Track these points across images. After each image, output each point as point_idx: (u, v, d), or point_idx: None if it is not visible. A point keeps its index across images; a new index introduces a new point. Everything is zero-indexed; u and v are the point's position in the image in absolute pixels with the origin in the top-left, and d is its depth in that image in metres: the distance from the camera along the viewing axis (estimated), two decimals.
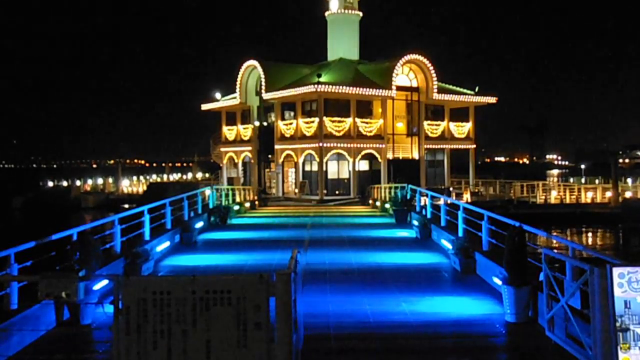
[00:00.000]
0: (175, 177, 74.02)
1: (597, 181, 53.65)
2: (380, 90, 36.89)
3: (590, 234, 35.23)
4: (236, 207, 24.76)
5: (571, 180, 65.82)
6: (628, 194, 40.66)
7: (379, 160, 38.29)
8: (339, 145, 36.41)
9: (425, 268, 12.77)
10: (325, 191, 36.16)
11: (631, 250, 29.38)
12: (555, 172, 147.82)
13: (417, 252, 14.62)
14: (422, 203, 22.16)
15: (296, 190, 38.26)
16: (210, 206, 21.80)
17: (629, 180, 52.80)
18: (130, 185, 60.19)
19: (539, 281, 8.02)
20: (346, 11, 42.01)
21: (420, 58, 38.63)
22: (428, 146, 40.77)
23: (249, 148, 42.42)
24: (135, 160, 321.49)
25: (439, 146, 41.51)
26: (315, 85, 34.37)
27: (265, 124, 40.90)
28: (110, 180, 61.63)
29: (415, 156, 40.34)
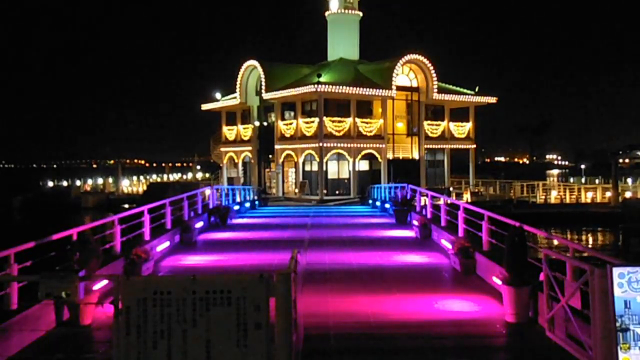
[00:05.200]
0: (175, 177, 74.02)
1: (597, 181, 53.61)
2: (380, 90, 36.89)
3: (590, 234, 35.22)
4: (236, 207, 24.76)
5: (571, 180, 65.80)
6: (628, 194, 40.65)
7: (379, 160, 38.29)
8: (339, 145, 36.42)
9: (425, 268, 12.77)
10: (325, 191, 36.16)
11: (631, 250, 29.36)
12: (555, 172, 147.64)
13: (417, 252, 14.62)
14: (422, 203, 22.16)
15: (296, 190, 38.26)
16: (210, 206, 21.79)
17: (629, 180, 52.80)
18: (130, 185, 60.18)
19: (539, 281, 8.02)
20: (346, 11, 42.02)
21: (421, 58, 38.64)
22: (428, 146, 40.78)
23: (249, 148, 42.42)
24: (135, 160, 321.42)
25: (439, 146, 41.52)
26: (315, 85, 34.37)
27: (265, 124, 40.91)
28: (110, 180, 61.62)
29: (415, 156, 40.35)
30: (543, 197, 40.42)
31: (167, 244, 15.16)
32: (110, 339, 4.47)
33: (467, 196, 38.88)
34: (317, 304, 9.40)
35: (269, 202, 33.38)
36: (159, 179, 67.76)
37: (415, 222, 18.13)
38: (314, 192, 36.93)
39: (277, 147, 39.31)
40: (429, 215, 18.55)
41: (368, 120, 38.17)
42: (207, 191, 23.12)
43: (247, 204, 27.84)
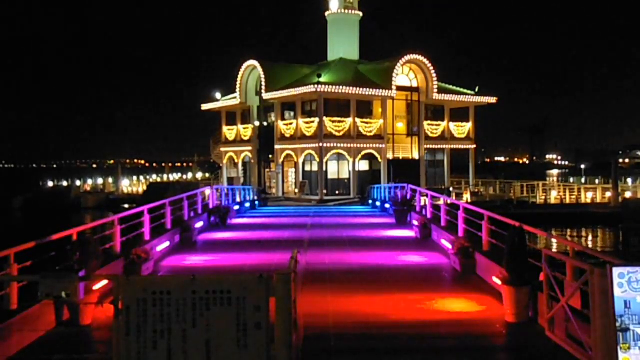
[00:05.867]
0: (175, 177, 74.03)
1: (597, 181, 53.63)
2: (380, 90, 36.89)
3: (590, 234, 35.23)
4: (236, 207, 24.76)
5: (571, 180, 65.83)
6: (628, 194, 40.64)
7: (379, 160, 38.29)
8: (339, 145, 36.42)
9: (425, 268, 12.77)
10: (325, 191, 36.16)
11: (631, 250, 29.36)
12: (555, 172, 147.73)
13: (417, 252, 14.62)
14: (422, 203, 22.16)
15: (296, 190, 38.26)
16: (210, 206, 21.79)
17: (629, 180, 52.83)
18: (130, 185, 60.20)
19: (539, 281, 8.02)
20: (346, 11, 42.02)
21: (421, 58, 38.64)
22: (428, 146, 40.78)
23: (249, 148, 42.43)
24: (135, 160, 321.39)
25: (439, 146, 41.52)
26: (316, 85, 34.37)
27: (265, 124, 40.92)
28: (110, 180, 61.64)
29: (415, 156, 40.35)
30: (543, 197, 40.41)
31: (167, 244, 15.15)
32: (110, 339, 4.47)
33: (467, 196, 38.87)
34: (317, 304, 9.40)
35: (269, 202, 33.39)
36: (159, 179, 67.78)
37: (415, 222, 18.13)
38: (314, 192, 36.92)
39: (277, 147, 39.31)
40: (429, 215, 18.55)
41: (368, 120, 38.17)
42: (207, 191, 23.12)
43: (247, 204, 27.83)
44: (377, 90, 36.81)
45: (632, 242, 31.78)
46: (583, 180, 58.88)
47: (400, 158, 39.65)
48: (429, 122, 40.78)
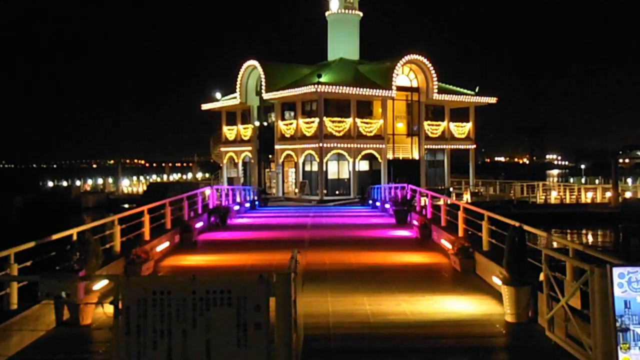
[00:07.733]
0: (175, 177, 74.00)
1: (597, 181, 53.65)
2: (381, 91, 36.90)
3: (590, 234, 35.22)
4: (236, 207, 24.76)
5: (571, 180, 65.83)
6: (628, 194, 40.65)
7: (379, 160, 38.29)
8: (339, 145, 36.42)
9: (425, 268, 12.78)
10: (325, 191, 36.16)
11: (631, 250, 29.34)
12: (555, 172, 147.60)
13: (417, 252, 14.63)
14: (422, 203, 22.16)
15: (296, 191, 38.27)
16: (210, 206, 21.79)
17: (629, 180, 52.86)
18: (130, 185, 60.18)
19: (539, 281, 8.02)
20: (346, 11, 42.03)
21: (421, 58, 38.65)
22: (428, 146, 40.79)
23: (249, 148, 42.43)
24: (135, 160, 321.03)
25: (439, 146, 41.53)
26: (316, 86, 34.37)
27: (265, 124, 40.92)
28: (110, 180, 61.61)
29: (415, 156, 40.35)
30: (543, 197, 40.41)
31: (167, 244, 15.15)
32: (110, 339, 4.47)
33: (467, 196, 38.87)
34: (317, 304, 9.40)
35: (269, 202, 33.37)
36: (159, 179, 67.74)
37: (415, 222, 18.13)
38: (313, 192, 36.93)
39: (277, 147, 39.32)
40: (429, 215, 18.55)
41: (368, 120, 38.17)
42: (207, 191, 23.12)
43: (247, 204, 27.84)
44: (377, 91, 36.81)
45: (632, 242, 31.76)
46: (583, 180, 58.89)
47: (400, 158, 39.65)
48: (429, 122, 40.79)
